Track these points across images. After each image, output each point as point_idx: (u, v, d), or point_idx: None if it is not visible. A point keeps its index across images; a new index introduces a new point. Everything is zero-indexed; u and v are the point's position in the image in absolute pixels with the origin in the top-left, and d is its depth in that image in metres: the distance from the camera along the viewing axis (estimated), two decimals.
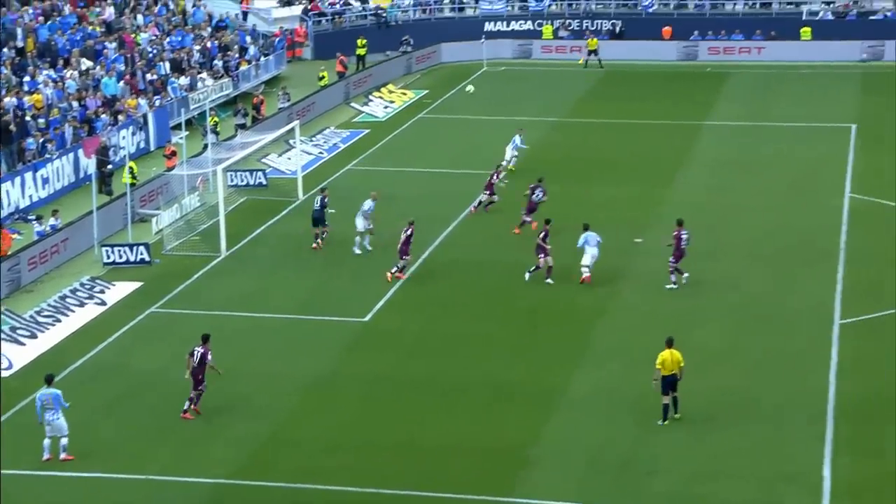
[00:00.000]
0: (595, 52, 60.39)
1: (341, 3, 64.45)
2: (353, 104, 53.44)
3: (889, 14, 62.91)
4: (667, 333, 27.73)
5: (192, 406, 25.00)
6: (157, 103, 46.29)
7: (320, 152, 45.93)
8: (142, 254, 33.91)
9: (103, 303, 31.45)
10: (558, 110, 51.82)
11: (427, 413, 25.16)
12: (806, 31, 61.98)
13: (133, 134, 43.90)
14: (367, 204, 34.62)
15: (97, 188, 36.87)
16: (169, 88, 47.91)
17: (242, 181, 40.88)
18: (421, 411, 25.24)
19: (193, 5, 56.98)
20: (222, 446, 23.98)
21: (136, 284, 32.43)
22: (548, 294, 31.33)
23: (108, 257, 33.90)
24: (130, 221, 35.66)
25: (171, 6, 55.54)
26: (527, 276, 31.98)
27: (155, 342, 29.02)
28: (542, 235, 31.97)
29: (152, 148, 44.68)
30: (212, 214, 36.33)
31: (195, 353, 24.92)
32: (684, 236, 31.08)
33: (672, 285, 31.33)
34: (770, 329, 28.92)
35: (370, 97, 54.51)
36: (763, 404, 25.13)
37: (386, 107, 53.52)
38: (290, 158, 43.62)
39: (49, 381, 23.71)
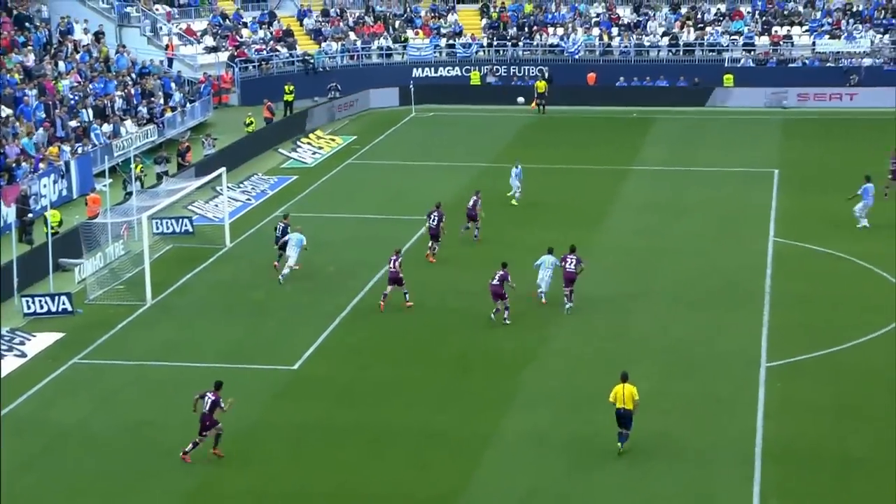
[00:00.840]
0: (543, 94, 60.80)
1: (268, 49, 64.35)
2: (280, 150, 53.25)
3: (807, 62, 64.36)
4: (595, 377, 27.97)
5: (192, 448, 24.75)
6: (80, 150, 45.69)
7: (248, 199, 45.62)
8: (64, 304, 33.25)
9: (23, 354, 30.69)
10: (487, 155, 52.06)
11: (357, 461, 24.88)
12: (728, 78, 63.15)
13: (55, 182, 43.24)
14: (296, 237, 35.24)
15: (17, 237, 36.17)
16: (92, 135, 47.33)
17: (168, 229, 40.38)
18: (351, 459, 24.94)
19: (116, 52, 56.52)
20: (148, 500, 23.48)
21: (58, 335, 31.79)
22: (477, 339, 31.29)
23: (29, 308, 33.18)
24: (52, 271, 34.99)
25: (94, 53, 55.02)
26: (492, 316, 31.93)
27: (77, 394, 28.39)
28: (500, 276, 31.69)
29: (75, 196, 44.03)
30: (137, 263, 35.86)
31: (206, 398, 24.69)
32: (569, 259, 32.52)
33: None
34: (697, 373, 29.06)
35: (298, 143, 54.35)
36: (692, 447, 25.17)
37: (314, 153, 53.38)
38: (217, 205, 43.29)
39: None
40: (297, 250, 35.34)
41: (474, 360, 29.98)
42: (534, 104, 60.86)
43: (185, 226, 40.56)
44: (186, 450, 24.75)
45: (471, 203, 39.18)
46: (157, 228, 39.99)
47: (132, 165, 41.17)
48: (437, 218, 37.03)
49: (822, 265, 36.73)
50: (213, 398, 24.71)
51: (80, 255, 36.68)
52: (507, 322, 31.87)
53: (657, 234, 40.30)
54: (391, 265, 33.38)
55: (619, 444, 24.70)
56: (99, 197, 40.39)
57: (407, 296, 33.43)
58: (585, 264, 32.94)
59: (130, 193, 40.28)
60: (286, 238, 35.86)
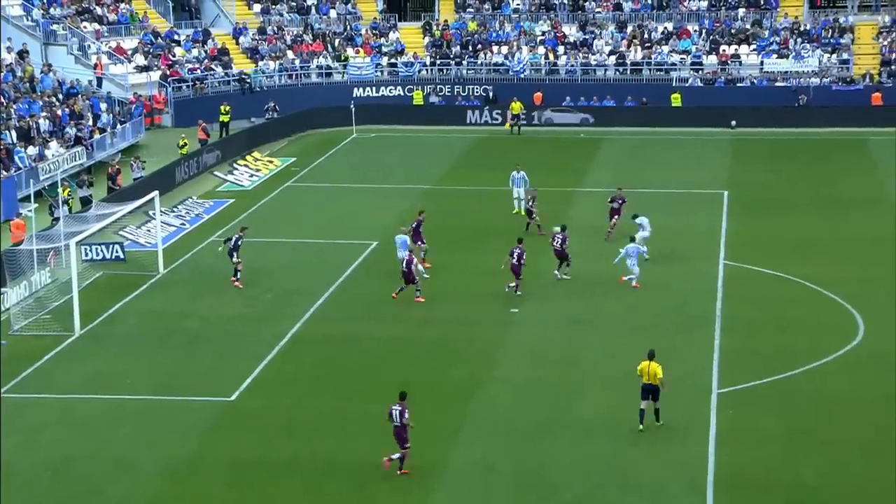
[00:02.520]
0: (518, 116, 60.19)
1: (202, 68, 63.00)
2: (216, 173, 52.08)
3: (756, 81, 64.32)
4: (544, 405, 27.53)
5: (399, 464, 24.73)
6: (3, 174, 44.16)
7: (182, 223, 44.40)
8: None
9: None
10: (430, 177, 51.31)
11: (297, 497, 24.00)
12: (676, 97, 62.87)
13: None
14: (401, 239, 36.70)
15: None
16: (16, 158, 45.85)
17: (98, 255, 38.97)
18: (290, 495, 24.05)
19: (41, 71, 54.91)
20: None
21: None
22: (422, 367, 30.54)
23: None
24: None
25: (18, 72, 53.37)
26: (506, 289, 34.77)
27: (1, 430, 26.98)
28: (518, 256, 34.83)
29: None
30: (64, 291, 34.66)
31: (392, 412, 24.61)
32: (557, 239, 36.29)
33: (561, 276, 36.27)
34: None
35: (235, 165, 53.21)
36: (643, 475, 24.63)
37: (252, 175, 52.26)
38: (149, 230, 42.09)
39: None
40: (405, 250, 35.74)
41: (418, 390, 29.00)
42: (508, 125, 60.19)
43: (116, 252, 39.17)
44: (401, 468, 24.67)
45: (415, 224, 38.26)
46: (87, 255, 38.63)
47: (59, 189, 39.81)
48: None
49: (773, 289, 36.35)
50: (400, 409, 24.59)
51: (4, 284, 35.39)
52: (519, 294, 34.83)
53: (605, 257, 39.56)
54: (404, 266, 34.35)
55: (658, 422, 26.27)
56: (24, 222, 39.15)
57: (418, 292, 34.50)
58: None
59: (57, 219, 38.91)
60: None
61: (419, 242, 38.09)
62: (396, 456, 24.73)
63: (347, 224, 43.56)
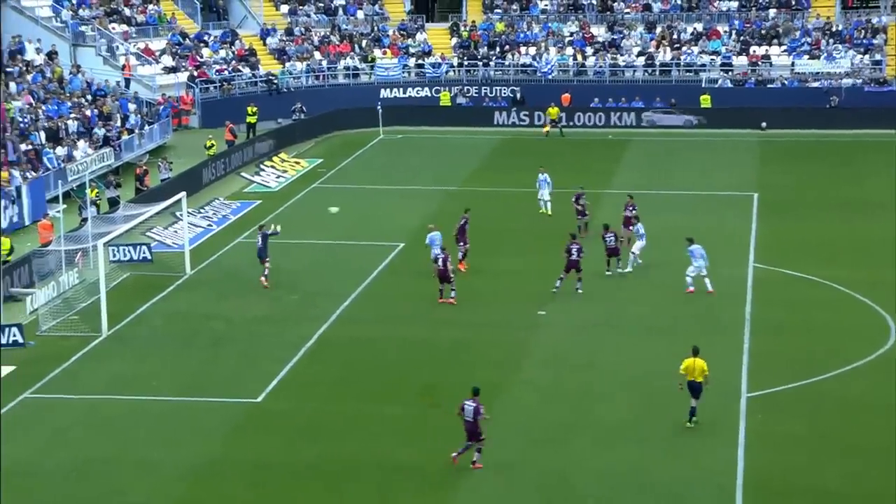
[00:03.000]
0: (556, 121, 59.97)
1: (230, 69, 63.08)
2: (243, 174, 52.05)
3: (786, 82, 63.75)
4: (567, 408, 27.36)
5: (472, 458, 24.89)
6: (32, 175, 44.31)
7: (209, 224, 44.38)
8: (14, 335, 31.88)
9: None
10: (456, 179, 51.08)
11: (320, 498, 23.93)
12: (706, 99, 62.38)
13: (5, 208, 41.87)
14: (435, 236, 36.57)
15: None
16: (45, 159, 46.00)
17: (125, 256, 39.03)
18: (312, 498, 23.96)
19: (70, 72, 55.09)
20: None
21: (7, 368, 30.47)
22: (446, 370, 30.34)
23: None
24: (2, 300, 33.66)
25: (47, 73, 53.57)
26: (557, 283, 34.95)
27: (28, 430, 27.14)
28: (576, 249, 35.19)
29: (27, 222, 42.70)
30: (92, 292, 34.61)
31: (465, 407, 24.69)
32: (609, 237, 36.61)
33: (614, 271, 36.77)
34: (675, 403, 27.96)
35: (262, 167, 53.19)
36: (670, 480, 24.36)
37: (278, 176, 52.24)
38: (176, 231, 42.08)
39: None
40: (438, 247, 35.73)
41: (442, 393, 28.91)
42: (546, 128, 60.00)
43: (143, 253, 39.23)
44: (474, 459, 24.75)
45: (462, 222, 37.98)
46: (114, 256, 38.70)
47: (87, 190, 39.90)
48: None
49: (803, 292, 35.96)
50: (474, 405, 24.52)
51: (32, 285, 35.50)
52: (580, 291, 35.07)
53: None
54: (439, 263, 34.21)
55: (688, 423, 26.34)
56: (52, 223, 39.12)
57: (453, 293, 34.37)
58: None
59: (86, 219, 38.97)
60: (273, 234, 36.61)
61: (461, 243, 37.82)
62: (463, 450, 24.76)
63: (374, 226, 43.42)
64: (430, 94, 65.03)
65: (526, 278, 37.15)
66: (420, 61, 66.78)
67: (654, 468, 24.85)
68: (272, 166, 53.52)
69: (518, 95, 64.22)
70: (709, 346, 31.16)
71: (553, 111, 60.51)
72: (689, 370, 26.47)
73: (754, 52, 65.63)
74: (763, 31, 66.79)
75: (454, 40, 68.88)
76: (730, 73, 64.64)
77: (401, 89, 65.23)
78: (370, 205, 47.14)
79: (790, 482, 24.29)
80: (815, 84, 63.15)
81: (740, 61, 65.17)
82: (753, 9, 68.89)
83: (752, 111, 60.89)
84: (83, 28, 59.77)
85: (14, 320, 32.82)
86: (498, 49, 67.59)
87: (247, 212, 46.36)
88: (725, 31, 67.45)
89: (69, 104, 51.13)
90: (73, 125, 49.66)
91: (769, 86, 63.77)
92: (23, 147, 45.69)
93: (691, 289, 35.21)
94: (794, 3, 68.41)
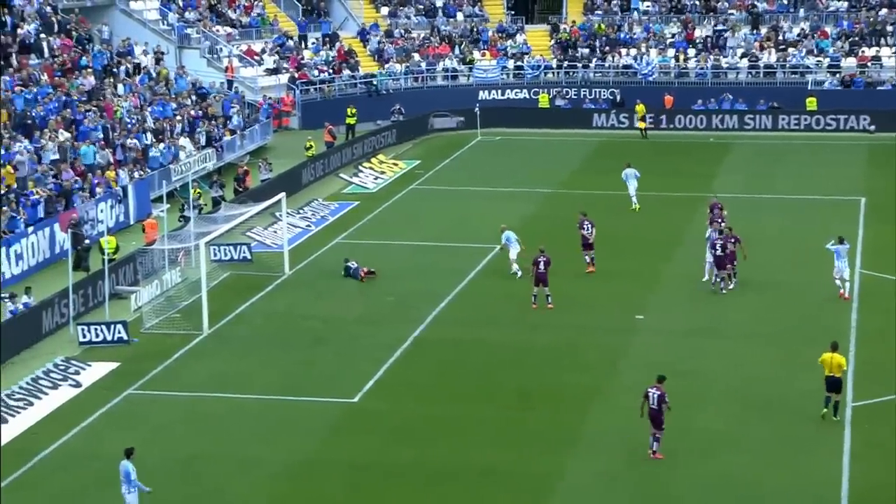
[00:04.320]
0: (643, 118, 59.49)
1: (330, 71, 63.59)
2: (342, 175, 52.39)
3: None
4: (667, 416, 26.66)
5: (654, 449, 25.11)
6: (138, 175, 45.19)
7: (308, 225, 44.74)
8: (119, 332, 32.54)
9: (78, 384, 30.08)
10: (553, 181, 50.77)
11: (414, 500, 23.94)
12: (811, 101, 60.96)
13: (112, 207, 42.71)
14: (509, 235, 37.30)
15: (73, 264, 35.58)
16: (150, 159, 46.80)
17: (226, 255, 39.62)
18: (408, 498, 23.98)
19: (176, 74, 56.06)
20: None
21: (112, 365, 31.10)
22: (540, 374, 30.12)
23: (85, 336, 32.50)
24: (108, 298, 34.36)
25: (154, 75, 54.59)
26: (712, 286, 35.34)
27: (130, 427, 27.60)
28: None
29: (132, 221, 43.46)
30: (193, 291, 35.11)
31: (649, 394, 25.02)
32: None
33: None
34: (776, 412, 27.63)
35: (360, 168, 53.49)
36: (771, 492, 23.87)
37: (376, 178, 52.49)
38: (275, 231, 42.47)
39: (127, 454, 22.92)
40: (514, 244, 36.53)
41: (537, 396, 28.77)
42: (642, 126, 59.52)
43: (244, 252, 39.78)
44: (653, 449, 24.98)
45: (587, 230, 37.75)
46: (215, 255, 39.28)
47: (190, 190, 40.53)
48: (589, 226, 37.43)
49: None
50: (659, 393, 24.78)
51: (137, 283, 36.14)
52: (731, 288, 35.07)
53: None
54: (538, 266, 33.94)
55: (824, 408, 26.63)
56: (156, 222, 39.79)
57: (549, 298, 34.03)
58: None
59: (187, 219, 39.57)
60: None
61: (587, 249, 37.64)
62: (654, 442, 24.95)
63: (471, 227, 43.31)
64: (528, 96, 64.74)
65: (622, 281, 36.72)
66: (519, 63, 66.51)
67: (755, 478, 24.36)
68: (370, 167, 53.78)
69: (618, 97, 63.61)
70: (813, 354, 30.53)
71: (640, 108, 59.77)
72: (826, 364, 26.70)
73: (863, 52, 63.98)
74: (874, 30, 64.95)
75: (553, 41, 68.45)
76: (837, 74, 63.08)
77: (499, 91, 65.08)
78: (467, 206, 47.07)
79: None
80: None
81: (848, 63, 63.56)
82: (863, 9, 67.16)
83: (860, 113, 59.40)
84: (188, 30, 60.78)
85: (119, 318, 33.43)
86: (598, 50, 67.01)
87: (345, 212, 46.64)
88: (833, 32, 65.85)
89: (174, 105, 52.01)
90: (177, 126, 50.50)
91: (878, 88, 62.11)
92: (129, 145, 46.57)
93: (844, 294, 34.81)
94: None
